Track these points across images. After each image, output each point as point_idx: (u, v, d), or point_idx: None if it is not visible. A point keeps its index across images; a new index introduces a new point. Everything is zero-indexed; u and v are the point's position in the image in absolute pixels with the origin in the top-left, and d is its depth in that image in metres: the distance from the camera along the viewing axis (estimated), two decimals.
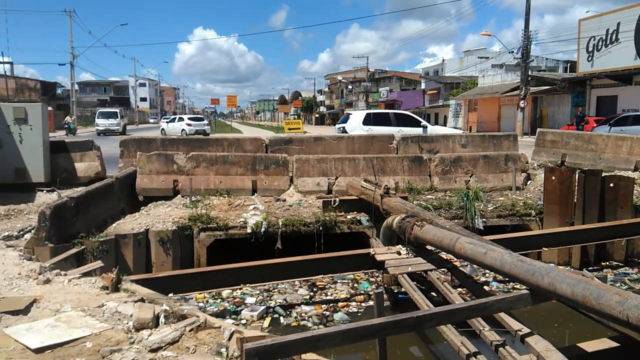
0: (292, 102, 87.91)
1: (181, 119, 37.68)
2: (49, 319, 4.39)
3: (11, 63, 50.00)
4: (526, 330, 4.71)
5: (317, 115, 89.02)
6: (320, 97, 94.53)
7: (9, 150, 9.99)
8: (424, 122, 18.29)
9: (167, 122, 38.49)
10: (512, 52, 32.85)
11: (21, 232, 7.59)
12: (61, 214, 6.88)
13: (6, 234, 7.52)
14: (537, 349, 4.39)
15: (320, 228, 8.72)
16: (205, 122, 38.73)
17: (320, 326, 6.72)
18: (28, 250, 6.41)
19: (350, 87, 74.10)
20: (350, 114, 20.32)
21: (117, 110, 42.77)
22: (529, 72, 32.34)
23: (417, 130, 16.57)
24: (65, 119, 40.27)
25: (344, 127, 18.58)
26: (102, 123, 39.46)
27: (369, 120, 18.38)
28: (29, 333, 4.10)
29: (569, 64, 43.05)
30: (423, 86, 61.34)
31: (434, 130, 17.88)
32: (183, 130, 34.14)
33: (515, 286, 7.87)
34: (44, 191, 9.87)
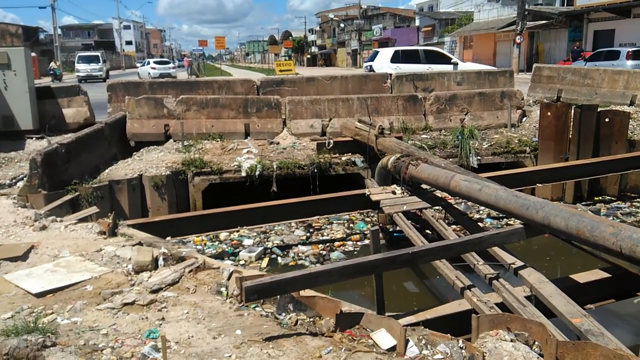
0: (283, 42, 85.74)
1: (148, 63, 37.47)
2: (48, 264, 4.41)
3: None
4: (520, 263, 4.80)
5: (308, 56, 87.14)
6: (311, 37, 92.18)
7: None
8: (454, 59, 17.77)
9: (140, 66, 39.34)
10: None
11: (13, 180, 7.55)
12: (52, 160, 6.80)
13: None
14: (530, 281, 4.49)
15: (315, 170, 8.71)
16: (171, 65, 37.56)
17: (318, 265, 6.84)
18: (22, 198, 6.39)
19: (342, 25, 72.15)
20: (378, 51, 19.73)
21: (99, 54, 39.46)
22: (526, 6, 31.47)
23: (448, 68, 16.10)
24: (50, 65, 38.57)
25: (371, 66, 18.04)
26: (82, 69, 36.41)
27: (397, 57, 17.86)
28: (29, 278, 4.13)
29: None
30: (417, 23, 59.75)
31: (465, 67, 17.28)
32: (149, 73, 33.58)
33: (509, 222, 7.98)
34: (33, 138, 9.74)
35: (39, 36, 58.03)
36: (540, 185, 8.35)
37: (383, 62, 17.90)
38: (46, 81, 31.72)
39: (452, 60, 17.52)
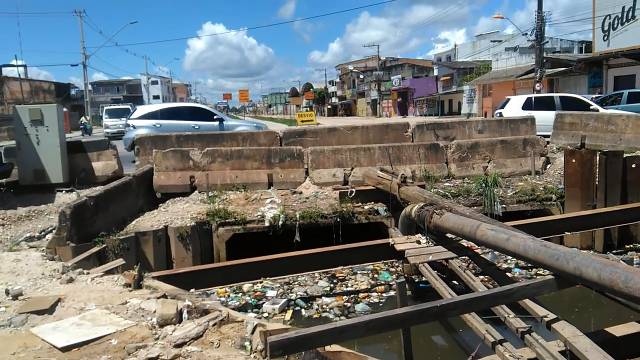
0: (304, 94, 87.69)
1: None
2: (74, 317, 4.43)
3: (25, 66, 50.37)
4: (552, 316, 4.63)
5: (329, 107, 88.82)
6: (331, 88, 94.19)
7: (27, 152, 10.12)
8: (594, 105, 16.49)
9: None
10: (526, 34, 32.28)
11: (43, 233, 7.68)
12: (81, 213, 6.94)
13: (28, 235, 7.62)
14: (564, 335, 4.32)
15: (338, 219, 8.69)
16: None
17: (342, 317, 6.71)
18: (50, 250, 6.48)
19: (361, 76, 73.69)
20: (510, 98, 18.88)
21: (128, 107, 34.67)
22: (544, 54, 31.79)
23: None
24: (81, 120, 39.10)
25: (500, 113, 17.34)
26: (112, 124, 31.90)
27: (529, 104, 17.10)
28: (55, 332, 4.14)
29: (584, 44, 42.30)
30: (436, 73, 60.74)
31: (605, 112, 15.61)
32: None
33: (538, 272, 7.77)
34: (63, 191, 9.98)
35: (70, 92, 60.58)
36: (568, 233, 8.17)
37: (514, 109, 17.16)
38: (76, 135, 32.67)
39: (591, 107, 16.04)
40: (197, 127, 14.48)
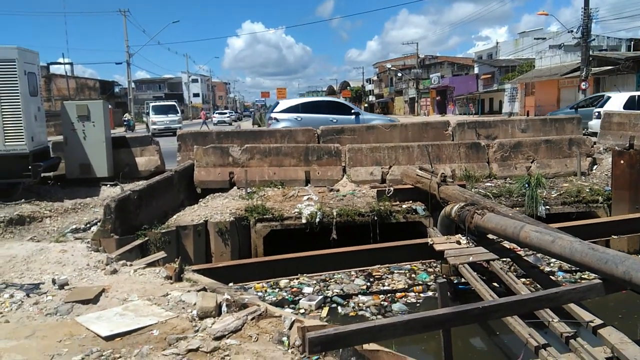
0: (341, 92, 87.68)
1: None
2: (117, 307, 4.54)
3: (71, 64, 52.14)
4: (598, 321, 4.48)
5: (366, 105, 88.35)
6: (369, 86, 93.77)
7: (73, 147, 10.48)
8: None
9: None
10: (572, 31, 31.25)
11: (88, 225, 7.93)
12: (125, 206, 7.12)
13: (74, 227, 7.88)
14: (611, 341, 4.16)
15: (375, 218, 8.62)
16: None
17: (379, 316, 6.66)
18: (95, 242, 6.68)
19: (399, 74, 72.99)
20: (609, 96, 18.20)
21: (174, 103, 35.05)
22: (590, 52, 30.71)
23: None
24: (125, 116, 39.93)
25: (600, 112, 16.32)
26: (159, 120, 31.27)
27: (632, 103, 16.37)
28: (99, 321, 4.26)
29: (632, 42, 40.56)
30: (476, 71, 59.56)
31: None
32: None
33: (582, 276, 7.52)
34: (108, 185, 10.29)
35: (114, 89, 62.37)
36: (615, 237, 7.87)
37: (616, 107, 16.39)
38: (120, 131, 33.47)
39: None
40: (334, 120, 14.79)
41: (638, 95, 17.22)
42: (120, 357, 3.66)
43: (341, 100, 19.67)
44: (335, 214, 8.58)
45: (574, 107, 21.04)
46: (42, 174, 9.93)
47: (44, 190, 9.74)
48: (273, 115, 15.83)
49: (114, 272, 5.47)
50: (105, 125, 10.77)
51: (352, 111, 15.70)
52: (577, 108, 20.02)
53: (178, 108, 33.98)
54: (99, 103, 11.05)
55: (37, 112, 9.83)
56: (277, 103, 17.27)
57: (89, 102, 11.29)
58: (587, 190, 9.35)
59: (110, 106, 27.36)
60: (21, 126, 9.07)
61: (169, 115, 31.93)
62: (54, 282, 5.07)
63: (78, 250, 6.23)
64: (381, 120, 15.31)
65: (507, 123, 12.22)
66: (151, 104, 34.30)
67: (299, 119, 15.17)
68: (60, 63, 49.34)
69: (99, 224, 7.38)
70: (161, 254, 6.36)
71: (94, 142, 10.50)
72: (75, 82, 52.04)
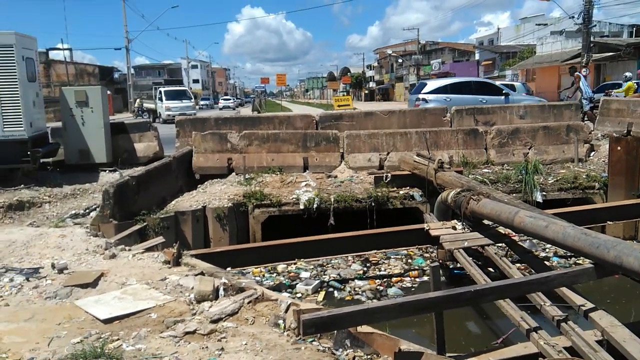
0: (341, 78, 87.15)
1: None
2: (115, 291, 4.62)
3: (70, 49, 51.73)
4: (590, 305, 4.54)
5: (366, 92, 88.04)
6: (369, 73, 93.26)
7: (72, 133, 10.50)
8: None
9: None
10: (573, 17, 30.97)
11: (87, 210, 7.99)
12: (124, 192, 7.17)
13: (73, 212, 7.95)
14: (601, 325, 4.23)
15: (373, 204, 8.67)
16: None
17: (374, 300, 6.74)
18: (94, 227, 6.74)
19: (400, 60, 72.59)
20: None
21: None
22: (591, 38, 30.51)
23: None
24: (136, 102, 37.31)
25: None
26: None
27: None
28: (97, 305, 4.33)
29: (634, 29, 40.31)
30: (477, 57, 59.21)
31: None
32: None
33: (577, 261, 7.59)
34: (107, 171, 10.33)
35: (114, 75, 62.05)
36: (611, 223, 7.93)
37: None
38: (124, 117, 32.76)
39: None
40: (484, 100, 14.75)
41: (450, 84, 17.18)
42: (118, 339, 3.74)
43: (490, 81, 19.52)
44: (333, 200, 8.63)
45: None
46: (41, 160, 9.97)
47: (43, 176, 9.78)
48: (422, 96, 16.02)
49: (113, 256, 5.54)
50: (104, 111, 10.78)
51: (503, 92, 15.85)
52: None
53: (190, 93, 33.22)
54: (97, 89, 11.04)
55: (36, 98, 9.84)
56: (424, 84, 17.49)
57: (87, 87, 11.29)
58: (584, 176, 9.39)
59: (109, 92, 27.03)
60: (20, 112, 9.08)
61: (184, 101, 31.20)
62: (53, 266, 5.14)
63: (77, 235, 6.29)
64: (530, 101, 15.38)
65: (506, 109, 12.21)
66: (162, 90, 32.84)
67: (448, 99, 15.28)
68: (59, 49, 49.04)
69: (97, 209, 7.44)
70: (160, 239, 6.42)
71: (92, 127, 10.51)
72: (75, 68, 51.74)
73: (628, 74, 19.41)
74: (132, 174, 7.87)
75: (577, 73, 15.26)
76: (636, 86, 19.79)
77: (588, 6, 29.24)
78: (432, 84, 17.02)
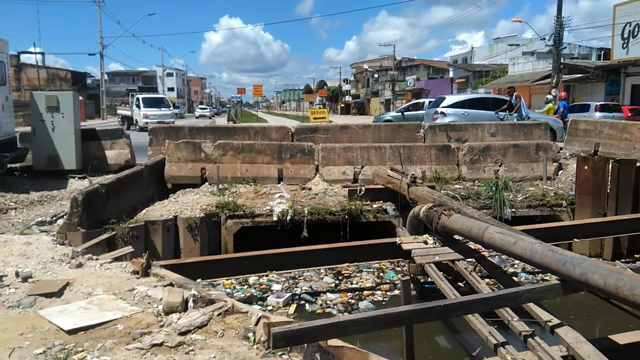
0: (318, 91, 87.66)
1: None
2: (81, 301, 4.50)
3: (42, 53, 50.82)
4: (556, 321, 4.62)
5: (342, 105, 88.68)
6: (345, 87, 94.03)
7: (41, 138, 10.27)
8: None
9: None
10: (544, 38, 31.96)
11: (54, 218, 7.79)
12: (92, 200, 7.03)
13: (40, 219, 7.74)
14: (567, 340, 4.30)
15: (346, 217, 8.70)
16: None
17: (346, 314, 6.73)
18: (61, 235, 6.57)
19: (376, 75, 73.47)
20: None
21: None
22: (562, 60, 31.47)
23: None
24: (119, 110, 36.11)
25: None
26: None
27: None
28: (62, 315, 4.21)
29: (602, 52, 41.76)
30: (451, 75, 60.36)
31: None
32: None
33: (544, 277, 7.74)
34: (76, 178, 10.12)
35: (87, 81, 61.08)
36: (577, 240, 8.12)
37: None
38: (92, 123, 32.12)
39: None
40: (500, 116, 15.01)
41: (469, 99, 18.16)
42: (82, 350, 3.64)
43: (505, 97, 19.99)
44: (306, 212, 8.62)
45: (402, 111, 24.64)
46: (9, 165, 9.71)
47: (9, 182, 9.52)
48: (440, 109, 16.23)
49: (80, 265, 5.40)
50: (75, 117, 10.58)
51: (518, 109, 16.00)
52: (404, 112, 23.88)
53: (169, 101, 32.64)
54: (69, 94, 10.85)
55: (5, 102, 9.61)
56: (443, 98, 17.69)
57: (58, 92, 11.08)
58: (552, 194, 9.62)
59: (81, 98, 26.43)
60: None
61: (162, 109, 30.49)
62: (17, 274, 4.98)
63: (43, 243, 6.12)
64: (542, 118, 15.82)
65: (478, 127, 12.45)
66: (140, 96, 31.84)
67: (466, 114, 15.55)
68: (31, 52, 48.17)
69: (65, 217, 7.26)
70: (128, 249, 6.30)
71: (62, 133, 10.31)
72: (46, 72, 50.80)
73: (549, 96, 22.06)
74: (102, 181, 7.73)
75: (517, 93, 15.98)
76: (556, 107, 21.51)
77: (559, 29, 30.22)
78: (451, 99, 17.44)
